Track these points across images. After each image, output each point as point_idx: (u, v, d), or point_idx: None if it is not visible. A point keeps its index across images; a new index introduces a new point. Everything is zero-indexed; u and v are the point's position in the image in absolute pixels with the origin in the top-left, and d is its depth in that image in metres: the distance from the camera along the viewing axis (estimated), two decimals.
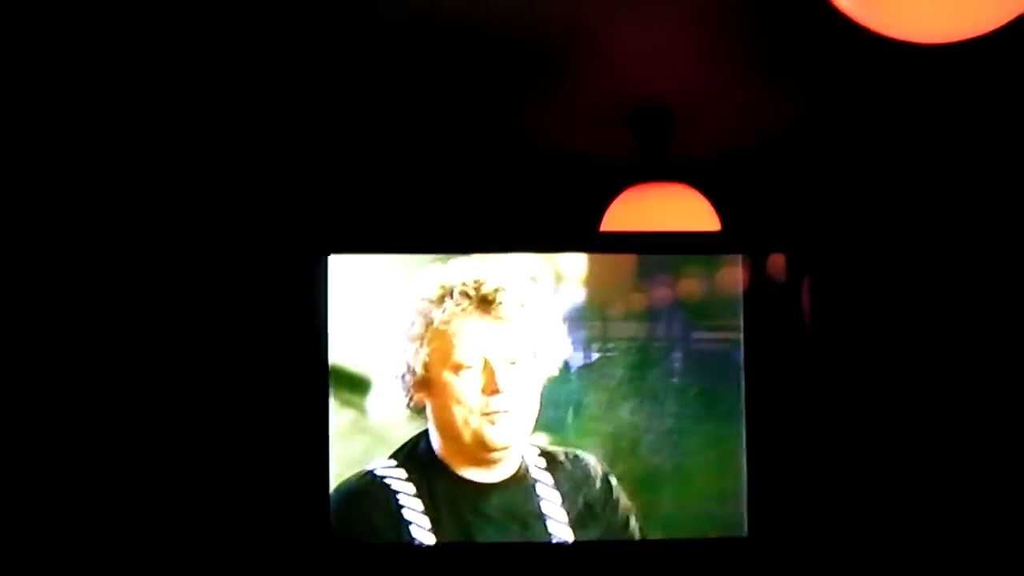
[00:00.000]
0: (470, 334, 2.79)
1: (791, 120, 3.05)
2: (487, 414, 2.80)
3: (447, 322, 2.78)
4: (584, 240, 3.04)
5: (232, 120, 2.94)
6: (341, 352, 2.93)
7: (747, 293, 2.96)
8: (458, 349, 2.78)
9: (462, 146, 3.19)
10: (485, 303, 2.79)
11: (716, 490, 2.94)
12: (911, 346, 3.14)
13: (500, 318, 2.80)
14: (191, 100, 2.82)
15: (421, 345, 2.80)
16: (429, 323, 2.80)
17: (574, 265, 2.94)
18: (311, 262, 2.93)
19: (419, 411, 2.85)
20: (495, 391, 2.79)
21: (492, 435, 2.81)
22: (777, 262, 3.01)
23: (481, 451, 2.82)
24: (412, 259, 2.89)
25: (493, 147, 3.20)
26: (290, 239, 3.18)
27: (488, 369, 2.78)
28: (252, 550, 3.09)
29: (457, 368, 2.78)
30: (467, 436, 2.81)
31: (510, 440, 2.83)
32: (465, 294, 2.79)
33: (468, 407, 2.79)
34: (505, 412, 2.80)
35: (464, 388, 2.79)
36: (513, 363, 2.80)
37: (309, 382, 2.93)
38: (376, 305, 2.92)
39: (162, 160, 3.12)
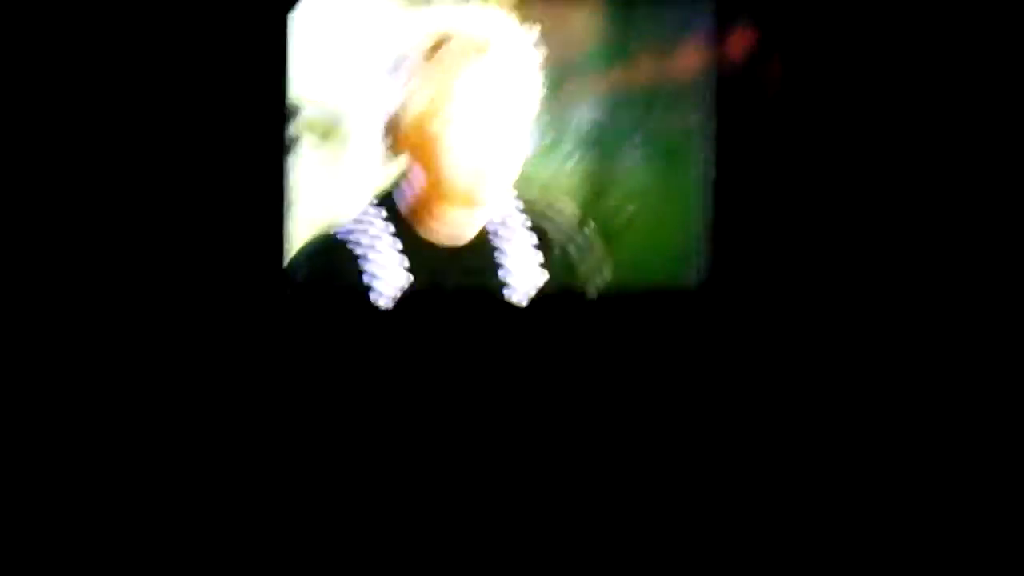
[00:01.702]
0: (468, 74, 2.75)
1: None
2: (485, 152, 2.77)
3: (443, 63, 2.74)
4: None
5: None
6: (312, 98, 2.88)
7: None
8: (457, 89, 2.74)
9: None
10: (483, 44, 2.76)
11: (679, 239, 3.00)
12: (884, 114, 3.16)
13: (496, 59, 2.77)
14: None
15: (411, 86, 2.75)
16: (423, 64, 2.75)
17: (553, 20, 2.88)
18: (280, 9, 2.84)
19: (393, 158, 2.80)
20: (497, 127, 2.78)
21: (488, 173, 2.79)
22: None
23: (474, 190, 2.79)
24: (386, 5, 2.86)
25: None
26: None
27: (487, 108, 2.76)
28: (207, 304, 2.95)
29: (454, 108, 2.74)
30: (461, 175, 2.77)
31: (503, 179, 2.82)
32: (461, 36, 2.75)
33: (466, 145, 2.75)
34: (501, 150, 2.79)
35: (462, 127, 2.75)
36: (508, 104, 2.79)
37: (273, 126, 2.87)
38: (353, 50, 2.87)
39: None
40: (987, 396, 3.09)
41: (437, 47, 2.73)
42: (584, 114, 2.94)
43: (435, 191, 2.79)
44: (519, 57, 2.80)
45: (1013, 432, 3.09)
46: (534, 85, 2.83)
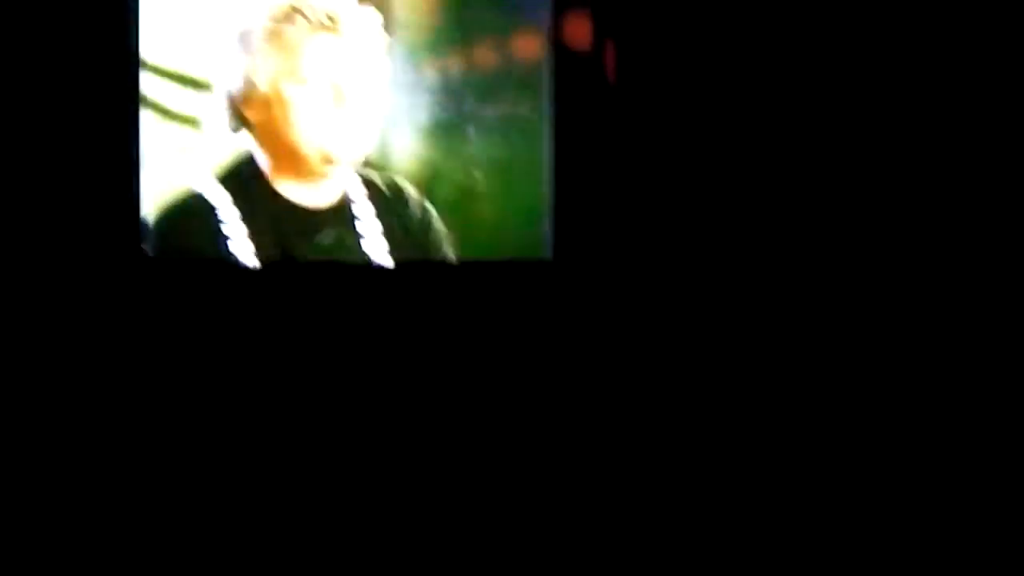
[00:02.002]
0: (317, 49, 2.83)
1: None
2: (332, 127, 2.85)
3: (292, 37, 2.81)
4: None
5: None
6: (157, 65, 2.88)
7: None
8: (305, 63, 2.82)
9: None
10: (331, 20, 2.84)
11: (524, 214, 3.07)
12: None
13: (343, 36, 2.85)
14: None
15: (260, 59, 2.82)
16: (272, 37, 2.82)
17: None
18: None
19: (239, 129, 2.86)
20: (342, 103, 2.85)
21: (335, 147, 2.87)
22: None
23: (320, 164, 2.87)
24: None
25: None
26: None
27: (335, 83, 2.84)
28: (63, 276, 2.96)
29: (303, 81, 2.82)
30: (309, 149, 2.86)
31: (349, 154, 2.90)
32: (311, 11, 2.82)
33: (314, 120, 2.84)
34: (348, 126, 2.87)
35: (310, 101, 2.83)
36: (355, 80, 2.87)
37: (120, 100, 2.87)
38: (195, 21, 2.88)
39: None
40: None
41: (282, 22, 2.81)
42: (426, 96, 2.99)
43: (279, 165, 2.87)
44: (363, 36, 2.88)
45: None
46: (377, 65, 2.91)
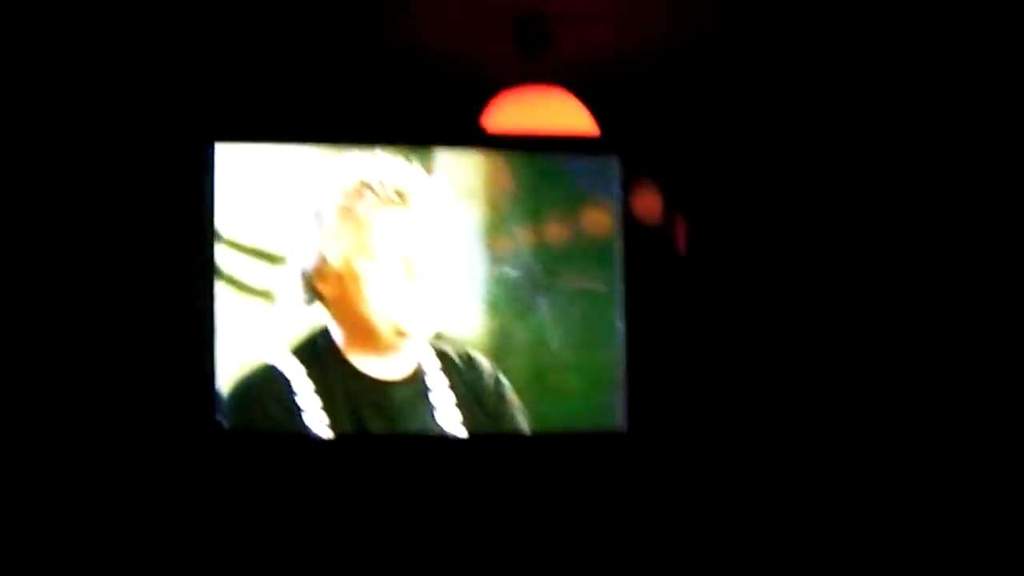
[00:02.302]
0: (386, 224, 2.86)
1: (674, 32, 3.15)
2: (404, 301, 2.87)
3: (365, 213, 2.85)
4: (464, 137, 3.08)
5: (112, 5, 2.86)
6: (233, 239, 2.91)
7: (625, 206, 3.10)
8: (376, 239, 2.85)
9: (344, 45, 3.18)
10: (400, 196, 2.87)
11: (595, 385, 3.06)
12: (789, 263, 3.31)
13: (413, 210, 2.88)
14: None
15: (332, 235, 2.85)
16: (345, 214, 2.85)
17: (467, 175, 3.02)
18: (198, 150, 2.89)
19: (314, 302, 2.88)
20: (414, 277, 2.87)
21: (407, 321, 2.88)
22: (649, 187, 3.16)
23: (393, 338, 2.89)
24: (305, 154, 2.93)
25: (377, 48, 3.20)
26: (177, 128, 3.09)
27: (405, 258, 2.86)
28: (138, 446, 3.02)
29: (373, 257, 2.85)
30: (381, 323, 2.87)
31: (422, 328, 2.91)
32: (380, 187, 2.86)
33: (386, 294, 2.85)
34: (420, 299, 2.89)
35: (382, 276, 2.85)
36: (426, 253, 2.89)
37: (196, 274, 2.90)
38: (271, 197, 2.92)
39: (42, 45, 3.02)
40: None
41: (353, 198, 2.85)
42: (498, 268, 3.01)
43: (353, 337, 2.88)
44: (433, 209, 2.91)
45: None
46: (448, 238, 2.93)
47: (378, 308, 2.86)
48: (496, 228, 3.02)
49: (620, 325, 3.06)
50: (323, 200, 2.87)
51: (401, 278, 2.87)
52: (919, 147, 3.35)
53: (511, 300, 3.02)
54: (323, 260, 2.85)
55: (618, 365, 3.05)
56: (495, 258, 3.01)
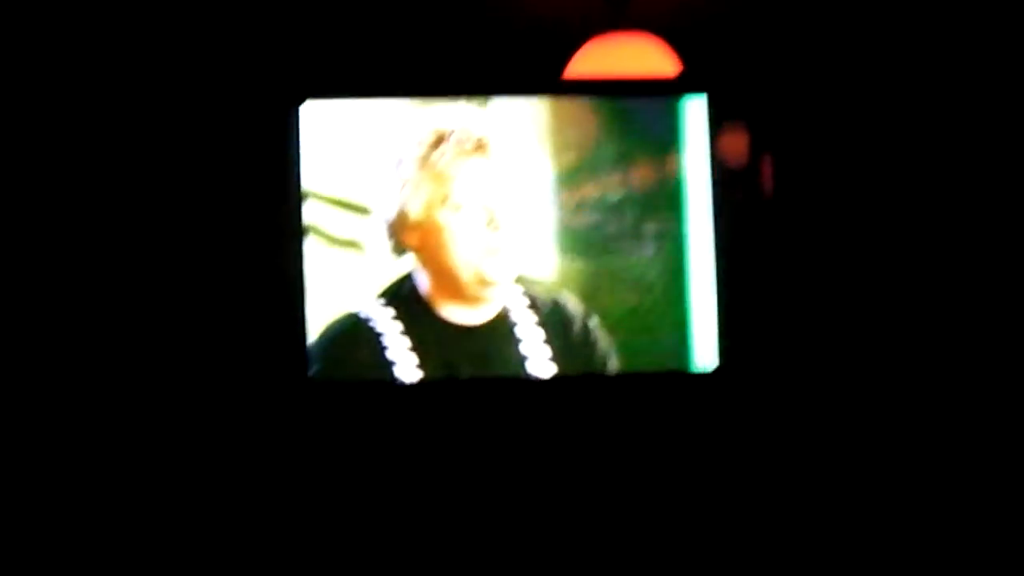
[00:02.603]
0: (468, 174, 2.90)
1: None
2: (487, 250, 2.91)
3: (445, 164, 2.89)
4: (549, 86, 3.09)
5: None
6: (320, 197, 2.96)
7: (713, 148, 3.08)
8: (457, 189, 2.90)
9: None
10: (480, 145, 2.91)
11: (686, 328, 3.06)
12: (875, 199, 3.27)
13: (494, 159, 2.92)
14: None
15: (416, 187, 2.90)
16: (425, 165, 2.90)
17: (552, 123, 3.02)
18: (286, 107, 2.94)
19: (401, 253, 2.93)
20: (496, 227, 2.91)
21: (491, 270, 2.92)
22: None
23: (478, 287, 2.93)
24: (387, 106, 2.96)
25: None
26: (265, 86, 3.16)
27: (487, 207, 2.90)
28: (228, 398, 3.12)
29: (456, 207, 2.89)
30: (465, 273, 2.92)
31: (506, 276, 2.95)
32: (461, 136, 2.90)
33: (468, 244, 2.90)
34: (503, 248, 2.93)
35: (465, 226, 2.90)
36: (508, 202, 2.92)
37: (286, 226, 2.95)
38: (355, 150, 2.96)
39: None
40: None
41: (433, 148, 2.89)
42: (584, 213, 3.03)
43: (439, 286, 2.93)
44: (514, 158, 2.94)
45: None
46: (530, 185, 2.96)
47: (462, 258, 2.90)
48: (581, 174, 3.02)
49: (708, 266, 3.05)
50: (404, 151, 2.91)
51: (483, 228, 2.91)
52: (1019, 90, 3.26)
53: (597, 245, 3.03)
54: (405, 211, 2.90)
55: (706, 306, 3.05)
56: (580, 204, 3.02)
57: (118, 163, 3.14)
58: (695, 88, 3.11)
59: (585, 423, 3.14)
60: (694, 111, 3.08)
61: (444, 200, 2.89)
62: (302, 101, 2.96)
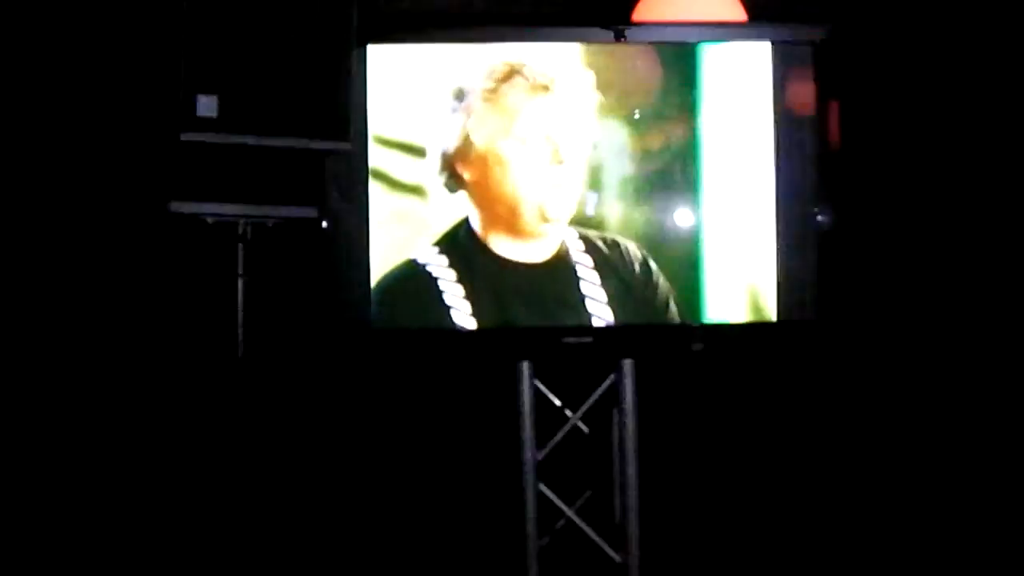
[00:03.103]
0: (534, 109, 2.88)
1: None
2: (549, 185, 2.88)
3: (511, 97, 2.87)
4: (616, 29, 3.07)
5: None
6: (384, 136, 2.93)
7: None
8: (522, 123, 2.87)
9: None
10: (547, 85, 2.89)
11: (747, 277, 3.01)
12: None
13: (560, 98, 2.90)
14: None
15: (478, 118, 2.87)
16: (491, 97, 2.88)
17: (616, 67, 2.99)
18: (348, 52, 2.89)
19: (454, 190, 2.90)
20: (559, 162, 2.88)
21: (553, 205, 2.89)
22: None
23: (537, 222, 2.90)
24: (451, 49, 2.93)
25: None
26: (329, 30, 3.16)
27: (552, 142, 2.88)
28: (289, 345, 3.13)
29: (521, 140, 2.87)
30: (526, 207, 2.89)
31: (566, 212, 2.91)
32: (529, 73, 2.88)
33: (532, 177, 2.88)
34: (566, 184, 2.90)
35: (527, 159, 2.88)
36: (573, 140, 2.90)
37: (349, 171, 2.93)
38: (419, 93, 2.93)
39: None
40: None
41: (502, 82, 2.86)
42: (647, 161, 2.98)
43: (493, 222, 2.90)
44: (579, 97, 2.90)
45: None
46: (595, 129, 2.93)
47: (523, 191, 2.87)
48: (645, 119, 2.98)
49: (769, 216, 3.00)
50: (470, 82, 2.88)
51: (546, 163, 2.88)
52: None
53: (659, 190, 2.99)
54: (467, 142, 2.87)
55: (769, 256, 3.00)
56: (644, 149, 2.97)
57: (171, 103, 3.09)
58: (763, 36, 3.07)
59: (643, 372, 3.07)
60: (761, 58, 3.02)
61: (508, 133, 2.86)
62: (367, 45, 2.93)
